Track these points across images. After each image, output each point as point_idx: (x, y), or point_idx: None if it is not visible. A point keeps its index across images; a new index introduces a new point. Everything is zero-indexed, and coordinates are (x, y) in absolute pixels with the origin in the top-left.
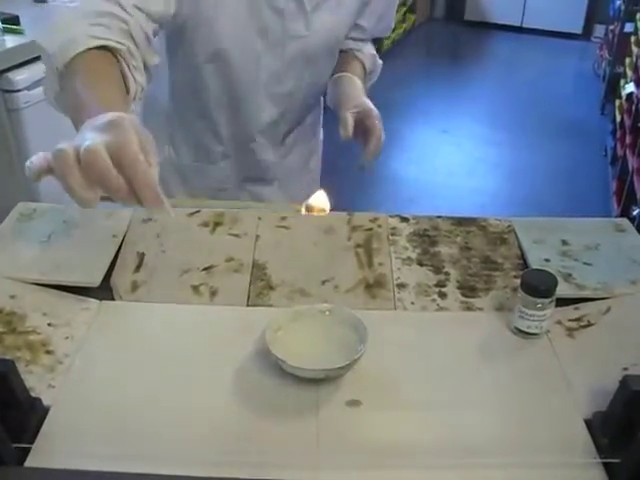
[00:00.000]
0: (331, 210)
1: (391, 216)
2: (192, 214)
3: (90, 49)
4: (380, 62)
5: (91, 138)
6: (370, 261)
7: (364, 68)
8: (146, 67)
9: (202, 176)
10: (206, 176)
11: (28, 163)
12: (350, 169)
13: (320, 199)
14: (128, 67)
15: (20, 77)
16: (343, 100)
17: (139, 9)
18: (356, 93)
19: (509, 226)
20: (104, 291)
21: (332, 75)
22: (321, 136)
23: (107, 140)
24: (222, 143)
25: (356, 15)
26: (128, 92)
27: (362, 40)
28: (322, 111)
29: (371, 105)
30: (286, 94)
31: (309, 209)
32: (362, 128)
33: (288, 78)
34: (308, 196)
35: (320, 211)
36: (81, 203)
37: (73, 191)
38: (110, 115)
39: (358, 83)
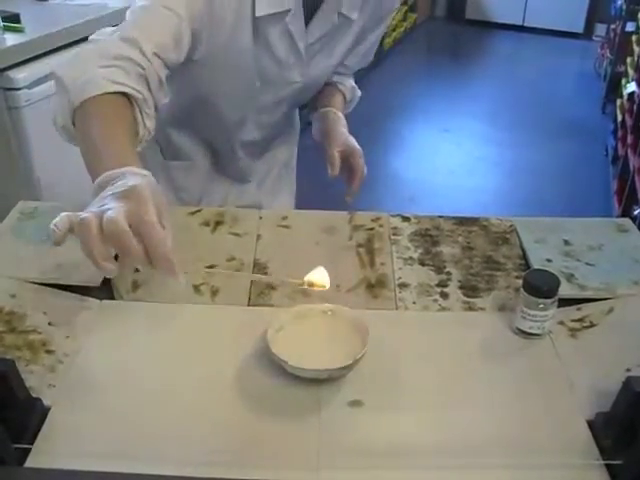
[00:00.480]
0: (331, 210)
1: (392, 216)
2: (193, 213)
3: (110, 92)
4: (359, 93)
5: (113, 208)
6: (372, 261)
7: (345, 99)
8: (156, 108)
9: (183, 171)
10: (187, 172)
11: (52, 226)
12: None
13: (321, 276)
14: (141, 114)
15: (21, 75)
16: (330, 138)
17: (157, 56)
18: (341, 131)
19: (511, 226)
20: (104, 291)
21: (316, 104)
22: (297, 135)
23: (128, 210)
24: (202, 149)
25: (344, 58)
26: (137, 135)
27: (345, 74)
28: (298, 111)
29: (355, 144)
30: (272, 122)
31: (310, 285)
32: (347, 165)
33: (277, 111)
34: (284, 191)
35: (321, 287)
36: (101, 271)
37: (95, 261)
38: (131, 181)
39: (342, 120)
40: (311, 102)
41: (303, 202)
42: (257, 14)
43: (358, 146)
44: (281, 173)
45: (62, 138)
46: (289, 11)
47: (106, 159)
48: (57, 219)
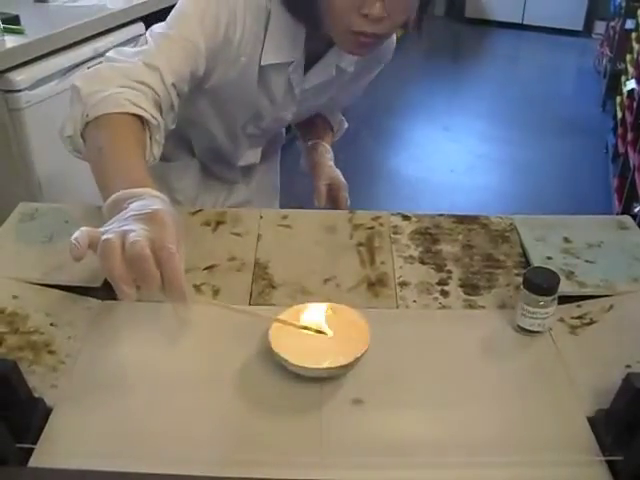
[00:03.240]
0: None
1: (393, 214)
2: (194, 213)
3: (125, 112)
4: (346, 125)
5: (136, 231)
6: (372, 259)
7: (332, 131)
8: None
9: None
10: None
11: (74, 241)
12: (350, 168)
13: (322, 322)
14: (151, 139)
15: (21, 77)
16: (318, 172)
17: (175, 86)
18: (329, 164)
19: (511, 224)
20: (106, 291)
21: (305, 135)
22: (282, 136)
23: (150, 235)
24: (191, 154)
25: (335, 97)
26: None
27: (333, 108)
28: None
29: (340, 177)
30: (264, 143)
31: (309, 329)
32: (332, 197)
33: (263, 137)
34: (269, 186)
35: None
36: (121, 295)
37: (116, 284)
38: (153, 205)
39: (330, 153)
40: (300, 131)
41: (304, 202)
42: (262, 63)
43: (343, 180)
44: (264, 169)
45: (66, 148)
46: (292, 62)
47: (122, 175)
48: (77, 234)
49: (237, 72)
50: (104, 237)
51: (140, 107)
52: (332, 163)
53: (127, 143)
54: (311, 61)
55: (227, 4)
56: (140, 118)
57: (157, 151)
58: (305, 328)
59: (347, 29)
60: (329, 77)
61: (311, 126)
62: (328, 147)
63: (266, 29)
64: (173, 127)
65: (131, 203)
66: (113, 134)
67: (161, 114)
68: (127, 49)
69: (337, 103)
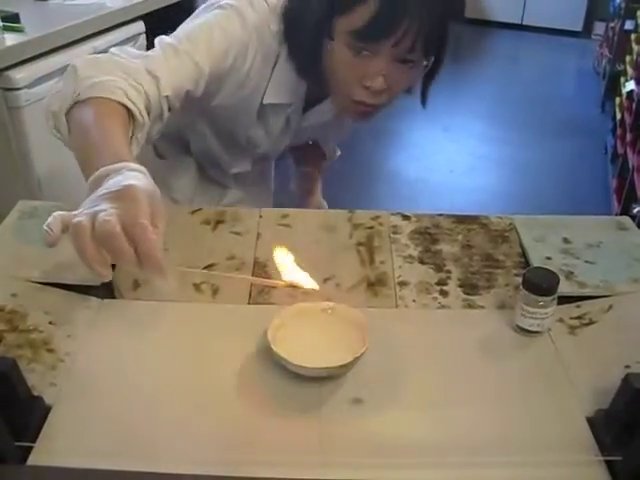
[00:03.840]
0: (332, 208)
1: (392, 214)
2: (194, 212)
3: (115, 100)
4: (339, 153)
5: (106, 209)
6: (372, 259)
7: (325, 159)
8: (146, 140)
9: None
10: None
11: (46, 228)
12: (350, 167)
13: (304, 278)
14: (132, 135)
15: (20, 75)
16: (309, 201)
17: (167, 99)
18: (318, 193)
19: (510, 224)
20: (105, 289)
21: (299, 160)
22: None
23: (120, 211)
24: (190, 154)
25: (330, 131)
26: None
27: (328, 141)
28: None
29: (325, 206)
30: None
31: (295, 286)
32: None
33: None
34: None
35: (310, 289)
36: (95, 275)
37: (90, 266)
38: (125, 180)
39: (319, 183)
40: (293, 156)
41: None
42: (264, 102)
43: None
44: (258, 173)
45: (47, 124)
46: (292, 104)
47: (104, 154)
48: (50, 220)
49: (239, 100)
50: (74, 220)
51: (131, 101)
52: (320, 193)
53: (113, 125)
54: (311, 102)
55: (239, 37)
56: (128, 111)
57: (135, 149)
58: (292, 286)
59: (348, 97)
60: (326, 119)
61: (304, 153)
62: (319, 177)
63: (272, 70)
64: (156, 137)
65: (108, 180)
66: (101, 115)
67: (149, 116)
68: (132, 50)
69: (332, 137)
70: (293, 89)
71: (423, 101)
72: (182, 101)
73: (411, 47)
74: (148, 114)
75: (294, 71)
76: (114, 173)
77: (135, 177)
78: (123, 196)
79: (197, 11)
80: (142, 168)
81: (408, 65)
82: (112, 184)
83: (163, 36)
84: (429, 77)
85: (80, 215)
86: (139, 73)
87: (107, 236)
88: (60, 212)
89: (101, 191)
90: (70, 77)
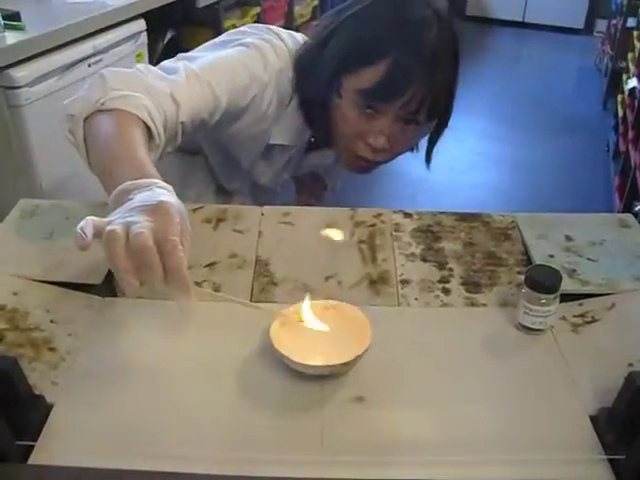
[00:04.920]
0: (333, 206)
1: (394, 212)
2: (195, 210)
3: (139, 117)
4: (339, 185)
5: (140, 222)
6: (374, 257)
7: (326, 189)
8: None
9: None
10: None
11: (79, 231)
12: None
13: (317, 320)
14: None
15: (21, 74)
16: None
17: (183, 125)
18: None
19: (513, 222)
20: (107, 288)
21: (300, 187)
22: None
23: (154, 227)
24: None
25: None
26: None
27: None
28: None
29: None
30: None
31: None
32: None
33: None
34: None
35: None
36: (125, 287)
37: (120, 275)
38: (159, 196)
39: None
40: (294, 181)
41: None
42: (271, 142)
43: None
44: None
45: (62, 126)
46: (296, 146)
47: (128, 167)
48: (82, 223)
49: (251, 136)
50: (108, 228)
51: (153, 121)
52: None
53: (137, 139)
54: (315, 146)
55: (260, 77)
56: (149, 131)
57: None
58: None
59: (350, 151)
60: (328, 162)
61: (306, 184)
62: (317, 205)
63: (283, 113)
64: (169, 151)
65: (137, 194)
66: (125, 127)
67: (166, 137)
68: (155, 70)
69: (334, 174)
70: (298, 133)
71: (427, 160)
72: (196, 128)
73: (416, 110)
74: (165, 133)
75: (302, 117)
76: (143, 188)
77: (166, 195)
78: (157, 211)
79: (219, 39)
80: (169, 187)
81: (412, 126)
82: (144, 198)
83: (185, 57)
84: (433, 139)
85: (114, 224)
86: (163, 96)
87: (140, 249)
88: (93, 217)
89: (134, 204)
90: (97, 85)
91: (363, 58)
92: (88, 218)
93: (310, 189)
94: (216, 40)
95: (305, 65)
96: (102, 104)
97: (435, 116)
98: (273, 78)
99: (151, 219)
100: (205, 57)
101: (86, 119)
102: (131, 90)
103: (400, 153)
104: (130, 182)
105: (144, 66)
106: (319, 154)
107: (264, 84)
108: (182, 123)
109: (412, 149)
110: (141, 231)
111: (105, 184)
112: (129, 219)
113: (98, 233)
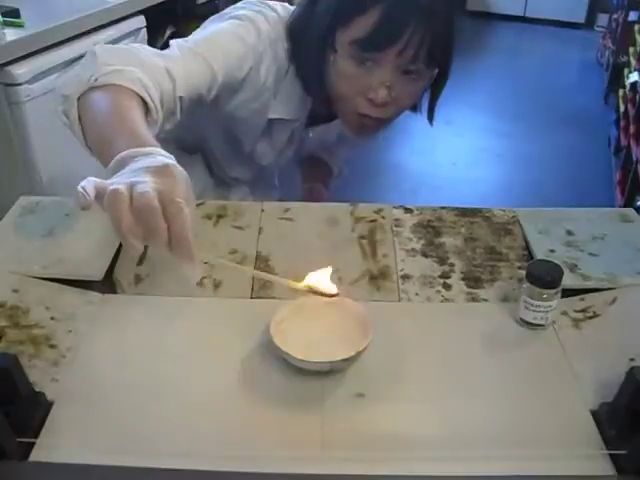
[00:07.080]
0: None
1: (395, 207)
2: (195, 206)
3: (134, 91)
4: (345, 172)
5: (145, 182)
6: (374, 252)
7: (332, 175)
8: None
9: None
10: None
11: (80, 189)
12: (352, 161)
13: (326, 282)
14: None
15: (21, 71)
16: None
17: (181, 100)
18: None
19: (513, 217)
20: (107, 285)
21: (305, 175)
22: None
23: (160, 187)
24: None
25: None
26: None
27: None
28: None
29: None
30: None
31: (315, 291)
32: None
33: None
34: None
35: (329, 295)
36: (127, 248)
37: (124, 238)
38: (165, 159)
39: (326, 197)
40: (300, 170)
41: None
42: (269, 116)
43: None
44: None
45: (56, 107)
46: (297, 120)
47: (128, 136)
48: (84, 182)
49: (251, 112)
50: (112, 187)
51: (149, 94)
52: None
53: (134, 112)
54: (316, 120)
55: (255, 47)
56: (145, 105)
57: None
58: (311, 291)
59: (353, 110)
60: (330, 139)
61: (312, 169)
62: (325, 191)
63: (280, 86)
64: (168, 128)
65: (139, 160)
66: (120, 100)
67: (163, 112)
68: (149, 47)
69: (338, 155)
70: (298, 105)
71: (430, 117)
72: (193, 104)
73: (414, 56)
74: (162, 108)
75: (301, 87)
76: (143, 155)
77: (169, 160)
78: (162, 172)
79: (208, 21)
80: (170, 155)
81: (412, 76)
82: (149, 161)
83: (179, 39)
84: (435, 92)
85: (117, 183)
86: (158, 70)
87: (145, 209)
88: (94, 178)
89: (138, 164)
90: (89, 62)
91: (354, 7)
92: (90, 178)
93: (315, 175)
94: (207, 21)
95: (298, 27)
96: (95, 80)
97: (434, 64)
98: (268, 48)
99: (157, 180)
100: (197, 34)
101: (80, 98)
102: (124, 65)
103: (403, 108)
104: (132, 150)
105: (138, 44)
106: (321, 129)
107: (259, 54)
108: (180, 98)
109: (415, 108)
110: (147, 190)
111: (104, 159)
112: (133, 179)
113: (99, 194)
